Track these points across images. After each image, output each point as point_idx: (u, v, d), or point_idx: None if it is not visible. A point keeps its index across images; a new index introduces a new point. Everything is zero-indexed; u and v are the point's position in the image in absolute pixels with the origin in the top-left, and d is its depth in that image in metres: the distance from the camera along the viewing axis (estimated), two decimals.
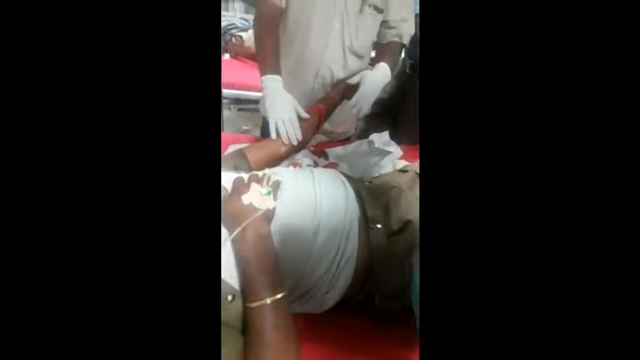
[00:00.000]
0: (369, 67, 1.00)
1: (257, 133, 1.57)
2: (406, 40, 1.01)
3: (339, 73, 1.00)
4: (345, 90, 0.93)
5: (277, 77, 0.85)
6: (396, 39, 1.00)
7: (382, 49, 1.01)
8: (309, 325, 0.61)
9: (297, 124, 0.79)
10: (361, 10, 0.94)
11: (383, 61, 0.95)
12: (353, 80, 0.91)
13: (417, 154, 0.98)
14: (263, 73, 0.87)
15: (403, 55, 1.06)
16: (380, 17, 0.98)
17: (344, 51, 0.98)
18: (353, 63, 1.01)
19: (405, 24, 1.00)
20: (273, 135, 0.80)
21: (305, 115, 0.82)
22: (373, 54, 1.07)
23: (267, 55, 0.89)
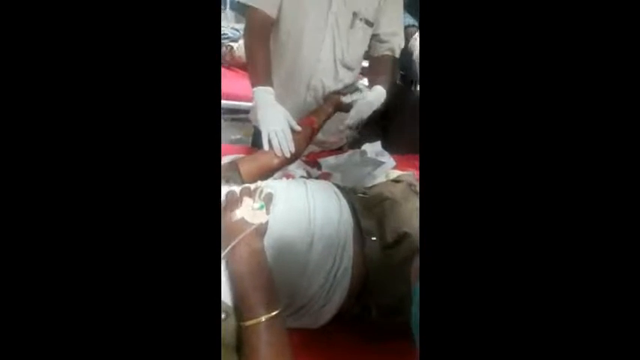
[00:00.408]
0: (360, 76, 1.00)
1: (248, 142, 1.56)
2: (398, 54, 1.02)
3: (331, 85, 1.01)
4: (338, 102, 0.93)
5: (269, 89, 0.85)
6: (389, 52, 1.01)
7: (376, 64, 1.02)
8: (305, 340, 0.60)
9: (289, 136, 0.79)
10: (352, 25, 0.95)
11: (378, 76, 0.96)
12: (346, 99, 0.91)
13: (410, 163, 0.98)
14: (255, 84, 0.86)
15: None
16: (370, 30, 0.99)
17: (335, 63, 0.99)
18: (344, 75, 1.01)
19: (396, 37, 1.01)
20: (265, 147, 0.79)
21: (297, 127, 0.81)
22: (365, 63, 1.07)
23: (258, 65, 0.88)
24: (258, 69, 0.88)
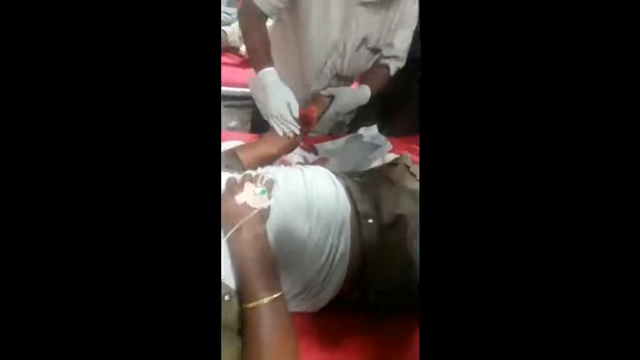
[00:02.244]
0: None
1: (244, 129, 1.56)
2: (393, 73, 1.01)
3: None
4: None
5: (272, 69, 0.84)
6: (385, 67, 1.00)
7: (369, 71, 1.02)
8: (305, 323, 0.62)
9: (291, 118, 0.79)
10: (358, 49, 0.95)
11: (367, 82, 0.96)
12: (326, 92, 0.91)
13: (407, 146, 0.99)
14: (258, 68, 0.85)
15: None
16: (375, 56, 0.99)
17: (332, 74, 1.00)
18: (341, 84, 1.03)
19: (397, 60, 1.00)
20: (279, 132, 0.80)
21: (296, 114, 0.81)
22: None
23: (258, 49, 0.88)
24: (259, 52, 0.88)
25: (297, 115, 0.80)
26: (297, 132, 0.80)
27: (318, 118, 0.88)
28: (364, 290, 0.62)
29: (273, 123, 0.81)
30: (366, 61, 0.99)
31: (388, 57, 0.99)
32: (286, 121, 0.79)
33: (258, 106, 0.91)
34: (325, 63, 0.97)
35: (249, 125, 1.28)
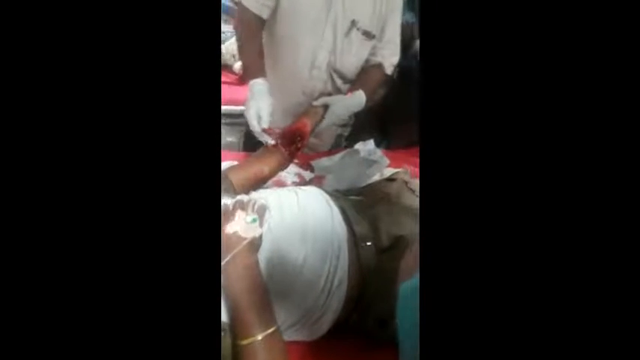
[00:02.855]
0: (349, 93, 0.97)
1: (238, 147, 1.54)
2: (389, 71, 0.99)
3: (325, 91, 0.99)
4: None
5: (260, 80, 0.84)
6: (378, 67, 0.98)
7: (363, 74, 1.00)
8: (302, 351, 0.59)
9: (258, 130, 0.78)
10: (348, 33, 0.92)
11: (362, 87, 0.93)
12: (319, 102, 0.89)
13: (406, 158, 0.96)
14: (248, 79, 0.85)
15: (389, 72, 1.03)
16: (369, 44, 0.96)
17: (329, 70, 0.97)
18: (340, 84, 1.00)
19: (391, 55, 0.98)
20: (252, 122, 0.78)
21: (265, 125, 0.79)
22: None
23: (252, 61, 0.89)
24: (253, 64, 0.88)
25: (265, 126, 0.78)
26: (270, 142, 0.77)
27: (312, 130, 0.85)
28: (362, 316, 0.59)
29: (255, 135, 0.79)
30: (359, 49, 0.96)
31: (381, 52, 0.97)
32: (255, 132, 0.77)
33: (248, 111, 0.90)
34: (316, 56, 0.94)
35: (241, 143, 1.26)
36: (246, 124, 1.09)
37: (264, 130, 0.78)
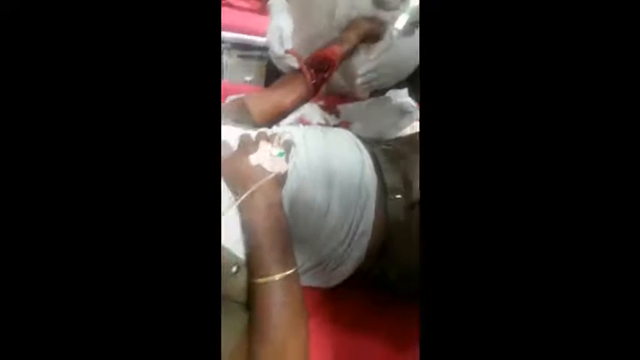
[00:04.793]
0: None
1: (260, 83, 1.45)
2: None
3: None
4: (367, 33, 0.77)
5: (281, 0, 0.74)
6: None
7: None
8: (317, 299, 0.57)
9: (280, 51, 0.69)
10: None
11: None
12: (375, 30, 0.76)
13: None
14: None
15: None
16: None
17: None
18: (377, 13, 0.83)
19: None
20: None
21: (288, 46, 0.70)
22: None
23: None
24: None
25: (288, 46, 0.68)
26: (293, 65, 0.68)
27: (341, 61, 0.73)
28: (385, 269, 0.56)
29: (276, 64, 0.71)
30: None
31: None
32: (276, 56, 0.69)
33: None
34: None
35: (263, 79, 1.17)
36: (268, 59, 1.00)
37: (287, 52, 0.69)
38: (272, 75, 1.05)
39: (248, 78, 1.64)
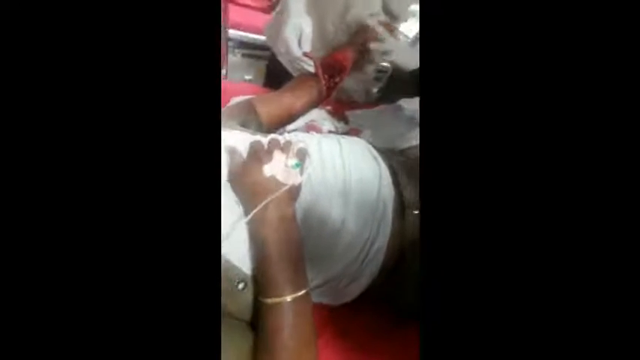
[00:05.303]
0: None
1: (259, 82, 1.42)
2: None
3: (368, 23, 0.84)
4: (377, 38, 0.75)
5: None
6: None
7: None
8: (326, 316, 0.54)
9: (298, 52, 0.65)
10: None
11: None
12: (383, 47, 0.73)
13: None
14: None
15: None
16: None
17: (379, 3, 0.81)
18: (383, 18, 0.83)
19: None
20: (290, 70, 0.65)
21: (307, 48, 0.66)
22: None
23: None
24: None
25: (307, 48, 0.65)
26: (308, 69, 0.65)
27: (352, 67, 0.71)
28: (398, 286, 0.53)
29: (286, 65, 0.67)
30: None
31: None
32: (293, 57, 0.65)
33: (270, 43, 0.76)
34: None
35: (263, 78, 1.13)
36: (269, 58, 0.96)
37: (305, 55, 0.65)
38: (272, 74, 1.02)
39: (248, 77, 1.60)
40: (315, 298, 0.52)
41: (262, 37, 1.49)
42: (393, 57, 0.76)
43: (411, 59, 0.77)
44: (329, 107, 0.88)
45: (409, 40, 0.75)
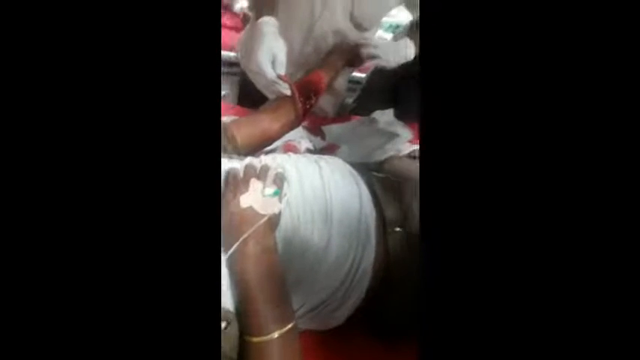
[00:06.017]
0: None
1: (232, 99, 1.40)
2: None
3: (335, 40, 0.84)
4: (351, 56, 0.76)
5: (272, 20, 0.70)
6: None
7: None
8: (313, 342, 0.52)
9: (273, 75, 0.65)
10: None
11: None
12: (366, 51, 0.74)
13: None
14: (259, 16, 0.71)
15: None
16: None
17: (345, 16, 0.81)
18: (352, 33, 0.84)
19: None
20: (265, 92, 0.65)
21: (281, 71, 0.66)
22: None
23: None
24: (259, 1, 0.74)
25: (281, 72, 0.65)
26: (284, 92, 0.65)
27: (326, 87, 0.72)
28: (386, 309, 0.52)
29: (259, 86, 0.67)
30: None
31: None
32: (268, 80, 0.65)
33: (242, 62, 0.75)
34: None
35: (237, 95, 1.11)
36: (241, 74, 0.95)
37: (279, 77, 0.65)
38: (245, 91, 1.01)
39: (222, 92, 1.58)
40: (303, 325, 0.50)
41: (232, 54, 1.49)
42: (381, 54, 0.75)
43: (396, 53, 0.77)
44: (305, 123, 0.87)
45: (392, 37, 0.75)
